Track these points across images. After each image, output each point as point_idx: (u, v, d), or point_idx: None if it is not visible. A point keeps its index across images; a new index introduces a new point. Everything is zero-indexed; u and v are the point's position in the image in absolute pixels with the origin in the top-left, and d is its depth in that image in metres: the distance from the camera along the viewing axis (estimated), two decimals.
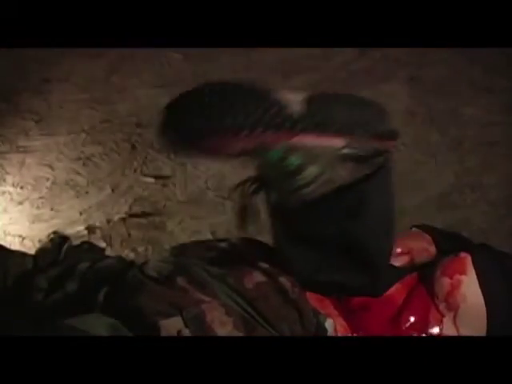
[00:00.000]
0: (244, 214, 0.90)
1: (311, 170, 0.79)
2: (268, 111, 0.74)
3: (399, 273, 0.96)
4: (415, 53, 2.26)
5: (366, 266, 0.87)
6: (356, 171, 0.81)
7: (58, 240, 1.01)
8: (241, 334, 0.75)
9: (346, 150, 0.79)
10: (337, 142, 0.78)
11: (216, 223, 1.66)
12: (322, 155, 0.79)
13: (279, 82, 2.20)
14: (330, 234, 0.85)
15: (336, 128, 0.77)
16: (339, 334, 0.87)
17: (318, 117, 0.76)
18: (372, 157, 0.82)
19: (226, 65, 2.35)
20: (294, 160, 0.78)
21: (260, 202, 0.90)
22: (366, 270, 0.87)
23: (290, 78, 2.21)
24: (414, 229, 1.12)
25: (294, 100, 0.76)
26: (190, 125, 0.77)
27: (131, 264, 0.95)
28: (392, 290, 0.92)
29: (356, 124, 0.78)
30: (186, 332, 0.73)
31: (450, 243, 1.02)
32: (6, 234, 1.66)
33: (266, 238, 0.97)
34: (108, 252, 1.43)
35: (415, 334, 0.88)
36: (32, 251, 1.06)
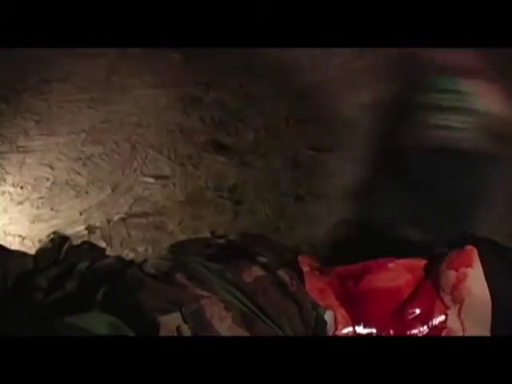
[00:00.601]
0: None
1: (464, 119, 0.77)
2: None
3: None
4: None
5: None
6: (491, 144, 0.80)
7: (58, 240, 1.01)
8: (240, 329, 0.75)
9: (502, 121, 0.78)
10: (504, 109, 0.77)
11: (216, 223, 1.66)
12: (483, 112, 0.77)
13: (279, 81, 2.21)
14: (441, 187, 0.85)
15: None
16: (340, 326, 0.87)
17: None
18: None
19: (226, 65, 2.35)
20: (463, 100, 0.76)
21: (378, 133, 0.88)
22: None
23: (291, 78, 2.22)
24: None
25: None
26: None
27: (130, 263, 0.95)
28: (401, 281, 0.93)
29: None
30: (185, 328, 0.73)
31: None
32: (6, 234, 1.66)
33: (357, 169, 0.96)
34: (108, 252, 1.43)
35: (419, 326, 0.88)
36: (32, 251, 1.06)
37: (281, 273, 0.86)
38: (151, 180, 1.83)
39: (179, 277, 0.81)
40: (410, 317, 0.88)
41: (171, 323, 0.73)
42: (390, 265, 0.96)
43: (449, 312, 0.89)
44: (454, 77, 0.75)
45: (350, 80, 1.90)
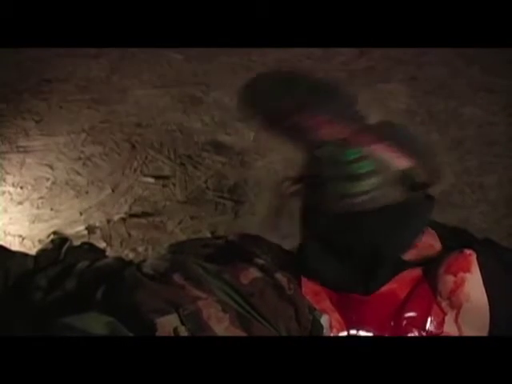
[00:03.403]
0: (278, 214, 0.94)
1: (375, 180, 0.84)
2: (357, 113, 0.81)
3: (401, 266, 0.95)
4: (415, 53, 2.27)
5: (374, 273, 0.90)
6: (406, 194, 0.87)
7: (58, 240, 1.01)
8: (237, 331, 0.75)
9: (407, 173, 0.86)
10: (404, 163, 0.85)
11: (216, 223, 1.67)
12: (388, 169, 0.85)
13: None
14: (360, 246, 0.89)
15: (407, 150, 0.84)
16: (334, 330, 0.87)
17: (396, 134, 0.85)
18: (423, 187, 0.89)
19: (226, 65, 2.35)
20: (366, 165, 0.82)
21: (295, 203, 0.92)
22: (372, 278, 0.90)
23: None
24: None
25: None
26: (277, 102, 0.83)
27: (129, 263, 0.95)
28: (393, 284, 0.91)
29: (420, 154, 0.87)
30: (183, 329, 0.73)
31: (455, 239, 1.01)
32: (6, 234, 1.66)
33: (292, 241, 1.00)
34: (108, 252, 1.43)
35: (415, 331, 0.87)
36: (32, 251, 1.06)
37: (278, 275, 0.85)
38: (151, 180, 1.83)
39: (177, 277, 0.81)
40: (405, 321, 0.87)
41: (168, 324, 0.73)
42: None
43: (446, 317, 0.87)
44: (349, 147, 0.82)
45: None
